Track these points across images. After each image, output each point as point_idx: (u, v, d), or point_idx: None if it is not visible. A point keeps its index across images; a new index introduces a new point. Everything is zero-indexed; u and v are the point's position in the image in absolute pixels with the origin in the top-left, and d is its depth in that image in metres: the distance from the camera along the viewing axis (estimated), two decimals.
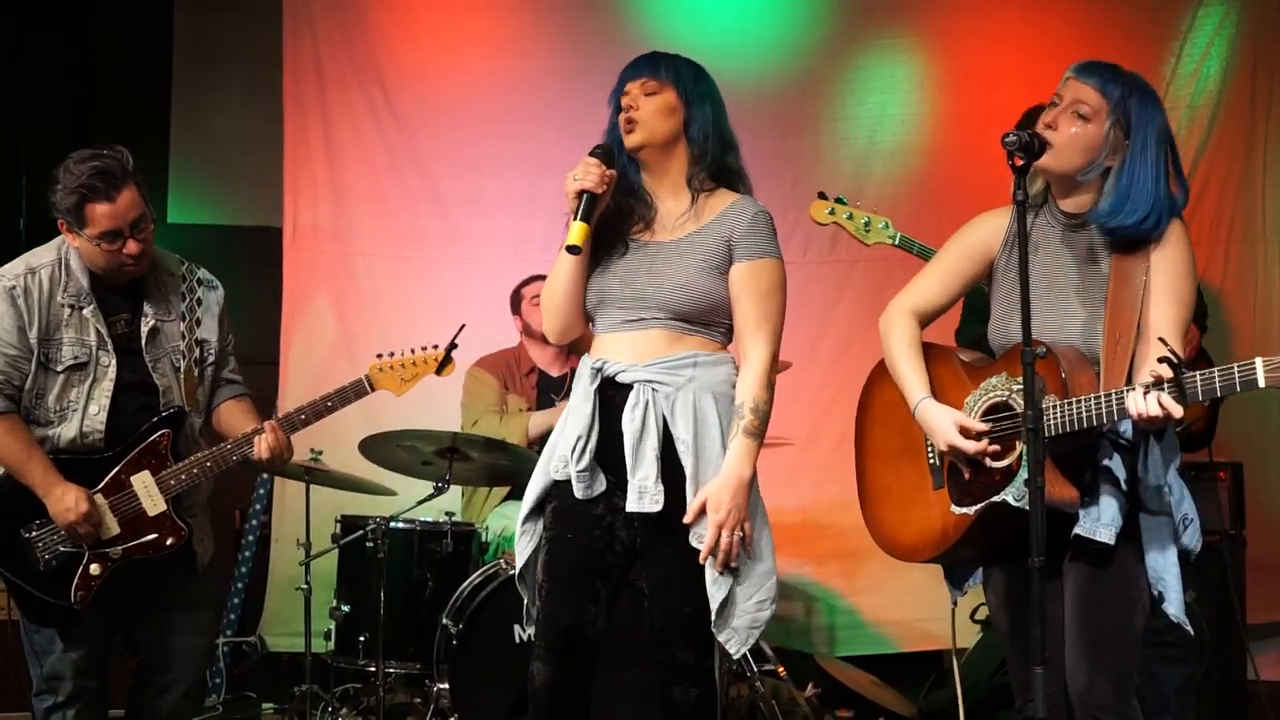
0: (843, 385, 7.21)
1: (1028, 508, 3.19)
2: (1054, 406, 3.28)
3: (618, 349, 3.59)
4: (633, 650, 3.95)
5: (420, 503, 5.54)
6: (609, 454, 3.55)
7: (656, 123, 3.62)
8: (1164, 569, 3.38)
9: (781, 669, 6.06)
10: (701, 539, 3.49)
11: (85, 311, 4.03)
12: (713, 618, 3.53)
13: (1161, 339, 3.20)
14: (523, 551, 3.64)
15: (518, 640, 5.03)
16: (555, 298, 3.65)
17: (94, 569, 3.98)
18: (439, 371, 4.31)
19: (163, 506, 4.04)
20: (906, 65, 7.47)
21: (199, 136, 7.45)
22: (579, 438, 3.52)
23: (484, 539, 5.75)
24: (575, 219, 3.51)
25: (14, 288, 3.98)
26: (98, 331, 4.03)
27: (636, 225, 3.67)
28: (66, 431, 4.00)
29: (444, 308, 7.17)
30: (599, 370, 3.57)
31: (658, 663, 3.60)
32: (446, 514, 5.78)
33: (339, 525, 5.76)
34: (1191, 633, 3.59)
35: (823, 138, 7.43)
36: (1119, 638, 3.38)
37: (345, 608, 5.68)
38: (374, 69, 7.29)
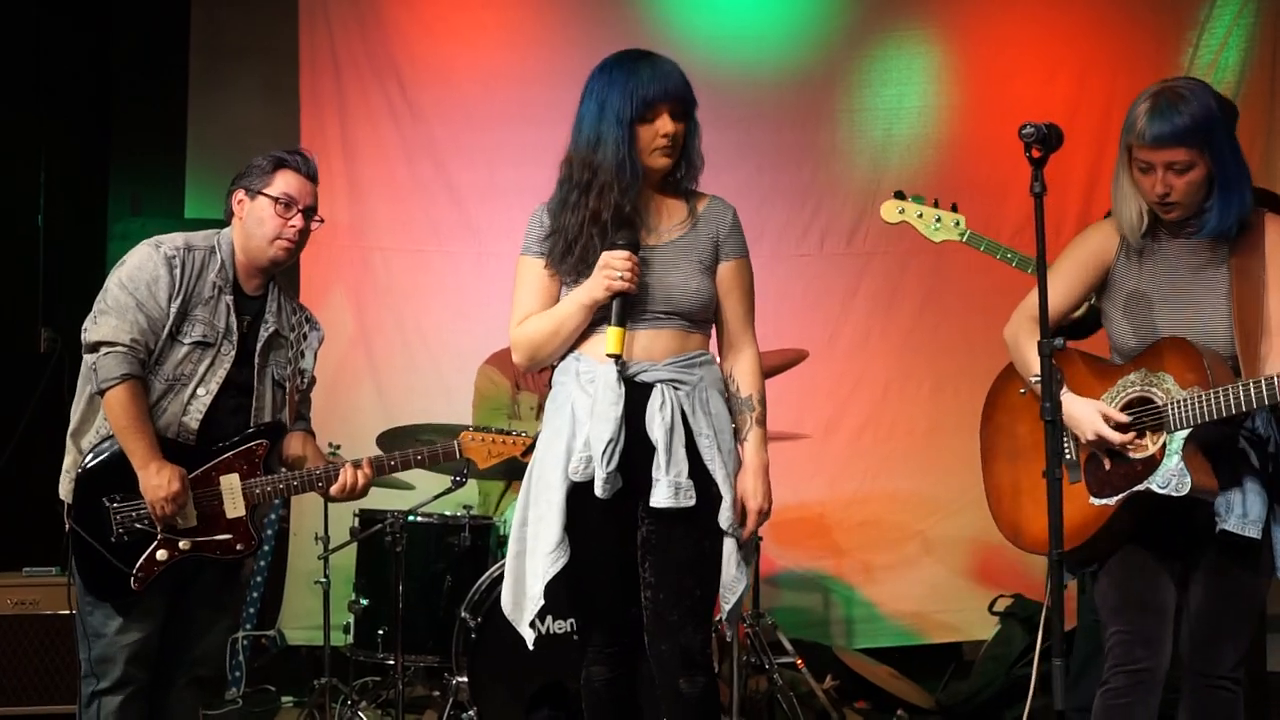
0: (860, 377, 7.23)
1: (1174, 494, 3.40)
2: (1200, 396, 3.42)
3: (628, 347, 3.62)
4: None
5: (438, 496, 5.53)
6: (625, 450, 3.58)
7: (679, 147, 3.71)
8: None
9: (800, 661, 6.06)
10: (729, 523, 3.61)
11: (226, 299, 4.15)
12: (727, 608, 3.64)
13: None
14: (558, 562, 3.59)
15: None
16: (551, 354, 3.72)
17: (160, 554, 4.02)
18: (524, 455, 4.45)
19: (242, 512, 4.10)
20: (923, 57, 7.46)
21: (216, 131, 7.46)
22: (610, 440, 3.53)
23: (502, 532, 5.75)
24: (613, 324, 3.57)
25: (174, 256, 4.10)
26: (228, 321, 4.14)
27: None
28: (170, 406, 4.06)
29: (460, 301, 7.19)
30: (621, 372, 3.60)
31: (662, 651, 3.63)
32: (464, 508, 5.78)
33: (357, 519, 5.77)
34: None
35: (840, 130, 7.42)
36: (1247, 618, 3.61)
37: (364, 601, 5.69)
38: (390, 63, 7.30)
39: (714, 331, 3.84)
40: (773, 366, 5.52)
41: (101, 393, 3.98)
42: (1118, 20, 7.16)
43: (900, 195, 4.71)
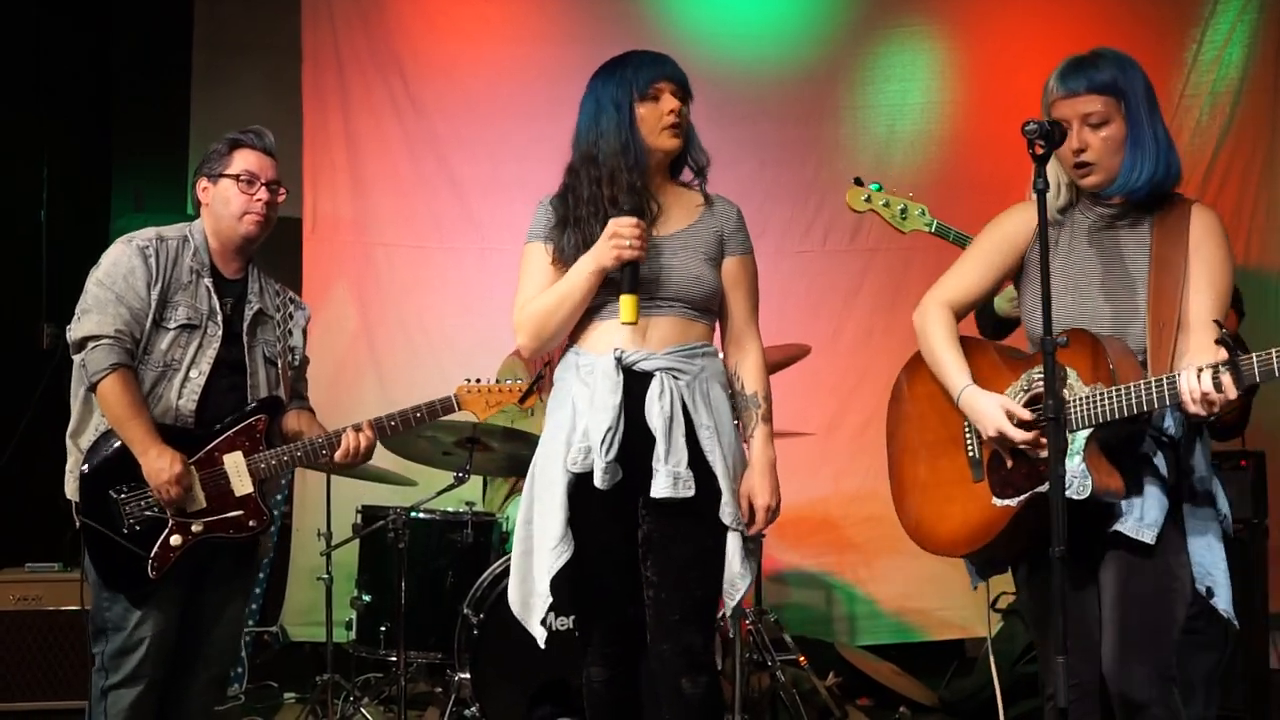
0: (864, 374, 7.23)
1: (1075, 497, 3.21)
2: (1102, 394, 3.27)
3: (631, 336, 3.61)
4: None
5: (440, 493, 5.55)
6: (625, 443, 3.56)
7: (684, 130, 3.72)
8: (1212, 564, 3.38)
9: (802, 658, 6.07)
10: (734, 517, 3.59)
11: (205, 281, 4.17)
12: (730, 604, 3.62)
13: (1217, 321, 3.19)
14: (562, 556, 3.57)
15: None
16: (557, 329, 3.67)
17: (174, 540, 4.03)
18: (521, 401, 4.44)
19: (250, 488, 4.11)
20: (927, 54, 7.47)
21: (219, 127, 7.33)
22: (609, 429, 3.51)
23: (504, 529, 5.75)
24: (625, 292, 3.54)
25: (146, 247, 4.13)
26: (210, 303, 4.16)
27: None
28: (165, 392, 4.07)
29: (463, 295, 7.20)
30: (619, 360, 3.58)
31: (664, 651, 3.60)
32: (467, 504, 5.78)
33: (359, 515, 5.78)
34: (1237, 626, 3.53)
35: (844, 126, 7.44)
36: (1160, 631, 3.38)
37: (366, 598, 5.70)
38: (393, 58, 7.31)
39: (719, 330, 3.83)
40: (775, 362, 5.51)
41: (93, 386, 4.00)
42: (1121, 16, 7.16)
43: (859, 182, 4.70)
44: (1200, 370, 3.13)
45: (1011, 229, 3.66)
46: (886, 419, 3.91)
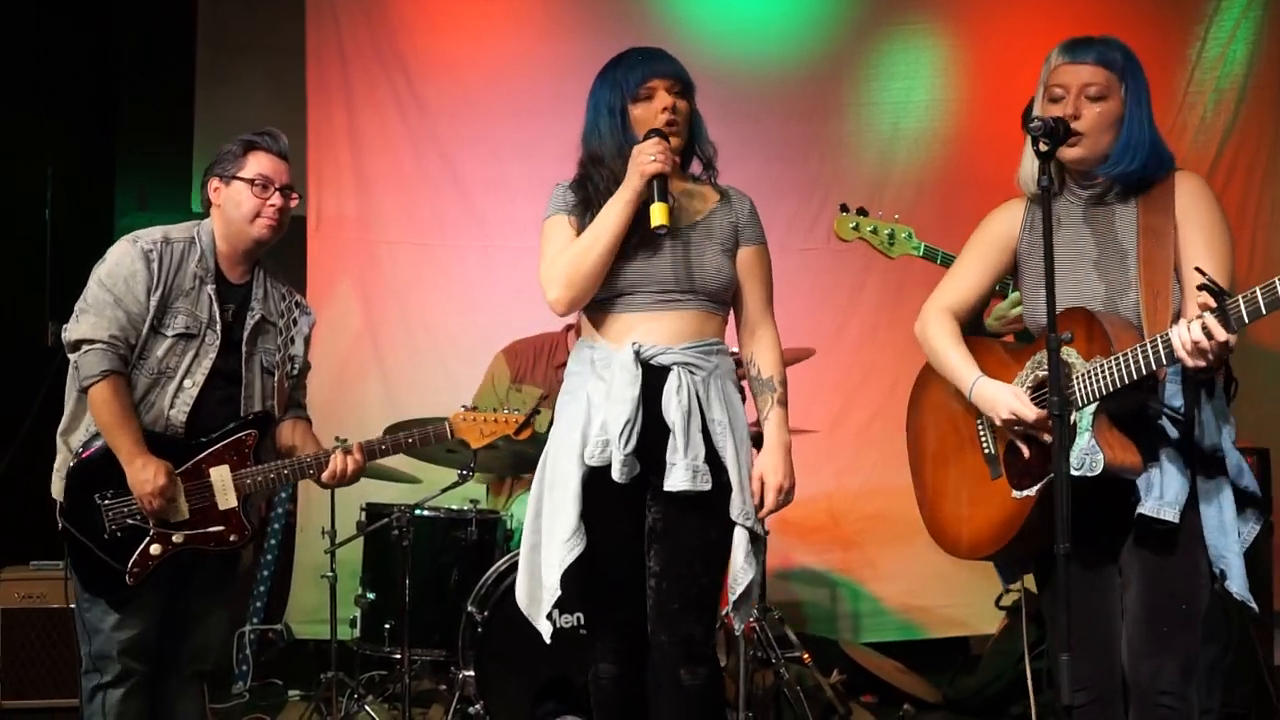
0: (868, 371, 7.23)
1: (1087, 474, 3.22)
2: (1102, 366, 3.27)
3: (649, 330, 3.61)
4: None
5: (445, 490, 5.55)
6: (640, 436, 3.55)
7: (686, 125, 3.71)
8: (1225, 546, 3.37)
9: (806, 655, 6.06)
10: (744, 512, 3.58)
11: (208, 288, 4.14)
12: (734, 598, 3.62)
13: (1198, 268, 3.16)
14: (574, 550, 3.54)
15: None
16: (591, 272, 3.58)
17: (154, 549, 4.03)
18: (517, 433, 4.44)
19: (234, 503, 4.10)
20: (930, 51, 7.47)
21: (223, 126, 7.41)
22: (627, 421, 3.51)
23: (508, 526, 5.75)
24: (655, 201, 3.53)
25: (150, 250, 4.10)
26: (210, 311, 4.14)
27: None
28: (158, 400, 4.07)
29: (466, 293, 7.20)
30: (637, 354, 3.57)
31: (662, 641, 3.59)
32: (471, 501, 5.78)
33: (364, 513, 5.78)
34: (1256, 609, 3.51)
35: (847, 124, 7.43)
36: (1187, 623, 3.36)
37: (370, 595, 5.70)
38: (396, 56, 7.30)
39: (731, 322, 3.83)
40: None
41: (84, 390, 4.00)
42: (1125, 13, 7.15)
43: (844, 209, 4.71)
44: (1189, 322, 3.13)
45: (1000, 227, 3.69)
46: (905, 432, 3.93)
